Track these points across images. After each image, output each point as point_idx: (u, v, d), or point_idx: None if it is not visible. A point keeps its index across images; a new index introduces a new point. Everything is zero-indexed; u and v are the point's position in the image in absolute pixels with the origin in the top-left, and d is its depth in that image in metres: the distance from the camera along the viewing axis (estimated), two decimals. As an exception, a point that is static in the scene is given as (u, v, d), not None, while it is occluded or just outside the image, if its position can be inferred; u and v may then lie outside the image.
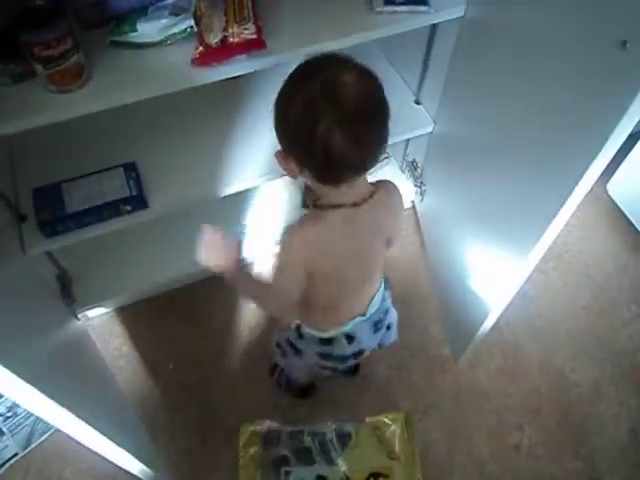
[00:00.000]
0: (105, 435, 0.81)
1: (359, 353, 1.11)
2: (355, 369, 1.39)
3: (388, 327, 1.13)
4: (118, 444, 0.86)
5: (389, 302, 1.12)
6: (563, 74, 0.83)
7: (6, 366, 0.59)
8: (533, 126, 0.94)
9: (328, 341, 1.06)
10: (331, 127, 0.72)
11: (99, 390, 1.15)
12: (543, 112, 0.90)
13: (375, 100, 0.78)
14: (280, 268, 0.91)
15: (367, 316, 1.04)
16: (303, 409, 1.33)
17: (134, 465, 0.96)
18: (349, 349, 1.08)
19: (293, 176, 0.83)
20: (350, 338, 1.06)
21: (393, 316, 1.14)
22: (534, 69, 0.91)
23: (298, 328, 1.08)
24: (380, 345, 1.16)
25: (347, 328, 1.04)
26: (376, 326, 1.09)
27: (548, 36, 0.86)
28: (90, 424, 0.76)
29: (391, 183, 0.96)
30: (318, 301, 1.01)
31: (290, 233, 0.89)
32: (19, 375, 0.61)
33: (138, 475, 1.01)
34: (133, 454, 0.92)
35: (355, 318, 1.04)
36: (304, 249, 0.88)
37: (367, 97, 0.76)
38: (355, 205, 0.86)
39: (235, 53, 0.93)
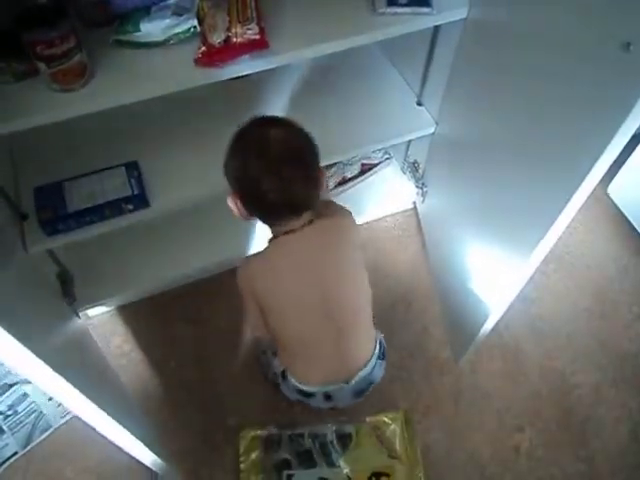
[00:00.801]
0: (122, 425, 0.82)
1: (334, 407, 1.17)
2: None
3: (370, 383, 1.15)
4: (133, 434, 0.86)
5: (377, 372, 1.13)
6: (566, 76, 0.83)
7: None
8: (535, 128, 0.94)
9: (306, 394, 1.11)
10: (260, 175, 0.86)
11: (105, 386, 1.15)
12: (546, 114, 0.90)
13: (298, 148, 0.90)
14: (243, 301, 1.02)
15: (349, 386, 1.08)
16: (302, 408, 1.33)
17: (147, 455, 0.96)
18: (325, 404, 1.13)
19: (246, 219, 0.95)
20: (328, 397, 1.10)
21: (376, 379, 1.15)
22: (537, 71, 0.91)
23: (284, 371, 1.13)
24: None
25: (326, 389, 1.09)
26: (357, 394, 1.12)
27: (551, 38, 0.86)
28: (108, 413, 0.78)
29: (346, 213, 1.04)
30: (290, 347, 1.07)
31: (238, 268, 0.99)
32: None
33: (150, 466, 1.01)
34: (146, 445, 0.93)
35: (337, 384, 1.07)
36: (250, 281, 0.98)
37: (290, 146, 0.89)
38: (287, 233, 0.94)
39: (238, 53, 0.93)
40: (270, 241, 0.99)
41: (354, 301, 1.03)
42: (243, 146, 0.90)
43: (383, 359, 1.14)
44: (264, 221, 0.96)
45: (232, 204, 0.94)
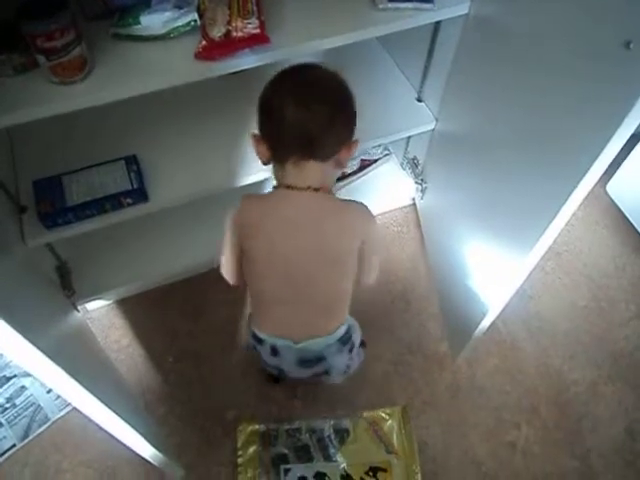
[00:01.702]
0: (121, 417, 0.82)
1: (282, 371, 1.13)
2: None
3: (327, 372, 1.13)
4: (132, 427, 0.87)
5: (333, 355, 1.08)
6: (567, 73, 0.83)
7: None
8: (536, 124, 0.94)
9: (258, 340, 1.08)
10: (287, 95, 0.86)
11: (105, 379, 1.16)
12: (546, 110, 0.90)
13: (332, 85, 0.90)
14: (224, 237, 0.99)
15: (296, 347, 1.05)
16: (300, 403, 1.33)
17: (146, 449, 0.96)
18: (271, 360, 1.10)
19: (264, 161, 0.94)
20: (274, 351, 1.07)
21: (336, 367, 1.12)
22: (537, 68, 0.91)
23: (251, 313, 1.12)
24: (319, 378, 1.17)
25: (274, 341, 1.06)
26: (301, 363, 1.09)
27: (552, 35, 0.86)
28: (108, 406, 0.78)
29: (359, 206, 0.99)
30: (253, 294, 1.05)
31: (239, 202, 0.97)
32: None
33: (149, 460, 1.01)
34: (145, 438, 0.93)
35: (285, 339, 1.04)
36: (242, 214, 0.95)
37: (326, 81, 0.90)
38: (289, 187, 0.92)
39: (238, 47, 0.93)
40: (274, 188, 0.96)
41: (329, 285, 0.99)
42: (283, 78, 0.90)
43: (345, 346, 1.09)
44: (273, 158, 0.93)
45: (254, 141, 0.93)
